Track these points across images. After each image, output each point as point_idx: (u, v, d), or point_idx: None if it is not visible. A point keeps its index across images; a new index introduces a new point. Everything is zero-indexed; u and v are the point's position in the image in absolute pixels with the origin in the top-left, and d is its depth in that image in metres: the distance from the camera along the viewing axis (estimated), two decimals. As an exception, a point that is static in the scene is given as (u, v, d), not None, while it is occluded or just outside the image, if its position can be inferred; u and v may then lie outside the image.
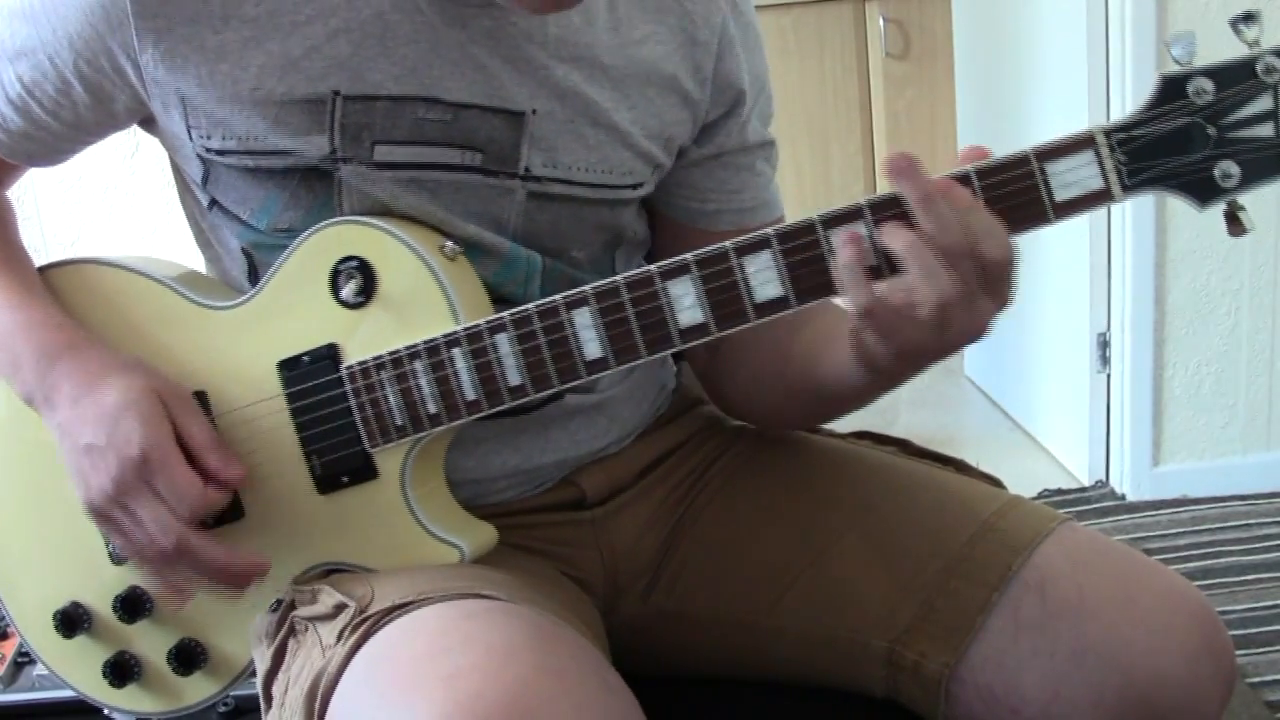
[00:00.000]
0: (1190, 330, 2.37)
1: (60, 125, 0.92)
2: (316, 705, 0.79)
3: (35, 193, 2.57)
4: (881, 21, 3.30)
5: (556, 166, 0.90)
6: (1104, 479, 2.52)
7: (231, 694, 1.00)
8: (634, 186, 0.95)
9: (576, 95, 0.89)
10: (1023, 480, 2.48)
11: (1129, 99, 2.23)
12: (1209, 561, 2.17)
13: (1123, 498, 2.46)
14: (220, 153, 0.88)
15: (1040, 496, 2.48)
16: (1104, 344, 2.44)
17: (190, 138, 0.89)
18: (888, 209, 0.77)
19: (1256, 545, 2.21)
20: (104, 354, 0.89)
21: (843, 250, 0.76)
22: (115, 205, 2.61)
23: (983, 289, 0.75)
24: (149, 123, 0.93)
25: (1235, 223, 0.77)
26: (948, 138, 3.25)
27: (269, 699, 0.87)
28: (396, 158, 0.87)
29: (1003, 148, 0.77)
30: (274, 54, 0.85)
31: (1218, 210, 0.77)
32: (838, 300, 0.79)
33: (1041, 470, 2.64)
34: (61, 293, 0.96)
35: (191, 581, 0.88)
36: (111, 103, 0.90)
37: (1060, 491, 2.51)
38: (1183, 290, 2.35)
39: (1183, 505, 2.38)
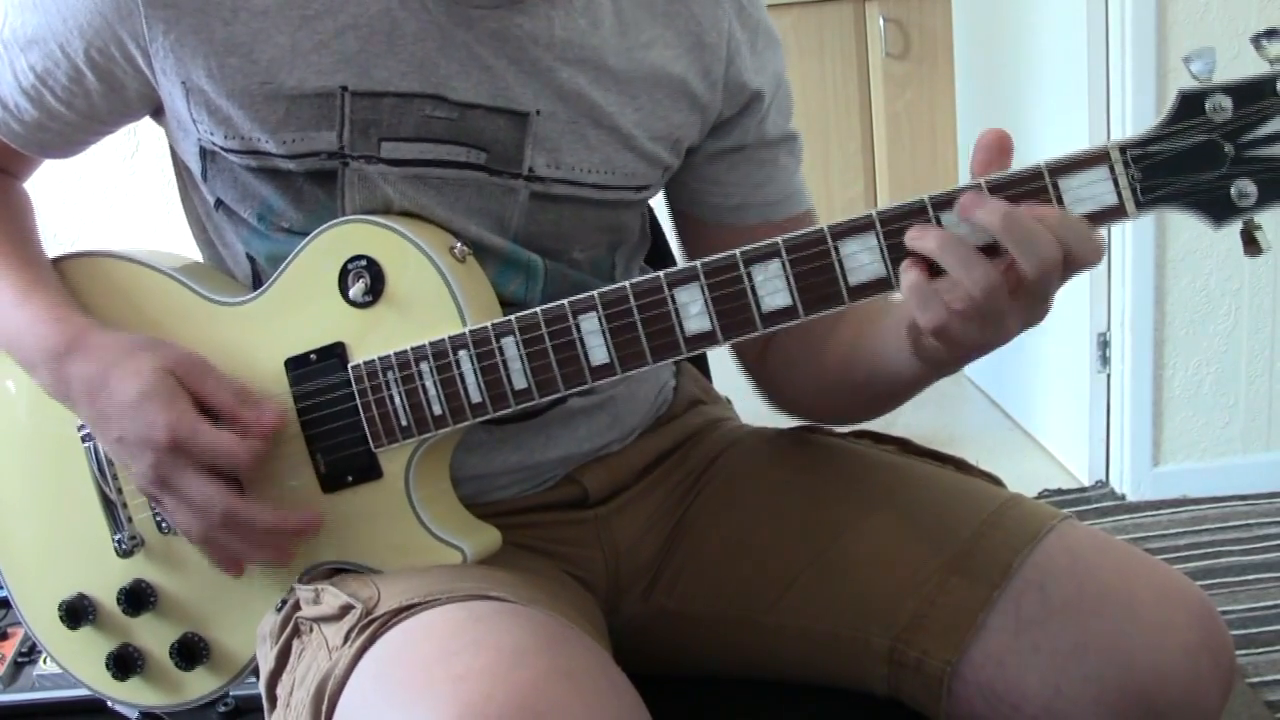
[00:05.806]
0: (1190, 330, 2.37)
1: (74, 114, 0.92)
2: (324, 707, 0.79)
3: (35, 193, 2.56)
4: (881, 21, 3.30)
5: (559, 167, 0.91)
6: (1104, 479, 2.52)
7: (233, 694, 1.00)
8: (638, 189, 0.95)
9: (580, 97, 0.89)
10: (1023, 480, 2.48)
11: (1129, 98, 2.23)
12: (1209, 561, 2.17)
13: (1123, 498, 2.46)
14: (224, 150, 0.89)
15: (1040, 496, 2.48)
16: (1104, 344, 2.44)
17: (196, 130, 0.89)
18: (904, 220, 0.75)
19: (1256, 545, 2.21)
20: (109, 342, 0.89)
21: (909, 273, 0.75)
22: (115, 205, 2.60)
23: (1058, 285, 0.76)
24: (158, 113, 0.94)
25: (1252, 243, 0.74)
26: (947, 138, 3.24)
27: (273, 700, 0.87)
28: (403, 154, 0.88)
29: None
30: (283, 47, 0.85)
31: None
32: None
33: (1041, 470, 2.65)
34: (75, 284, 0.96)
35: (245, 551, 0.88)
36: (124, 90, 0.90)
37: (1060, 491, 2.52)
38: (1183, 290, 2.35)
39: (1183, 505, 2.39)
